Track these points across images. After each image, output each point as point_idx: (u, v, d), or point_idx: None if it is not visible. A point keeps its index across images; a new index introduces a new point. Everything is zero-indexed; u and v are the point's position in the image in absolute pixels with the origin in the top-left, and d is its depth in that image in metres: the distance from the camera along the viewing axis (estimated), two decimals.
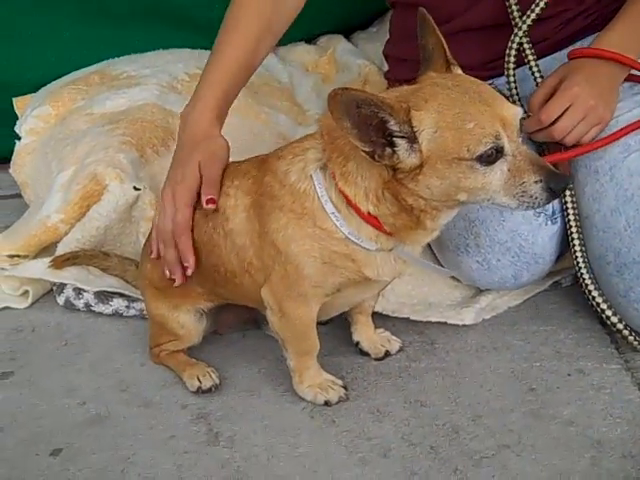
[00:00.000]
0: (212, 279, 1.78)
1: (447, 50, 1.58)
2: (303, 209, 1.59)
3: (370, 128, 1.45)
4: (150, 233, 1.89)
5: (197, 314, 1.87)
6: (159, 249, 1.80)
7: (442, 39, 1.58)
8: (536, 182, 1.47)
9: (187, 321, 1.87)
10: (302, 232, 1.60)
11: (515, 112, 1.48)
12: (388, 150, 1.47)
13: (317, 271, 1.63)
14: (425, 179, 1.48)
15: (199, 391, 1.86)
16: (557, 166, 1.96)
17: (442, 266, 2.09)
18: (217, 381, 1.87)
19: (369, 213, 1.56)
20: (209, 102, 1.86)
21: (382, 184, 1.52)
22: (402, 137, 1.46)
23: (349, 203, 1.56)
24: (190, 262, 1.75)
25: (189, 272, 1.75)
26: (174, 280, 1.78)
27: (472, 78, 1.55)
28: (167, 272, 1.78)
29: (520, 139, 1.50)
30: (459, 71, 1.59)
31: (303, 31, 2.99)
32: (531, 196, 1.48)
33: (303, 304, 1.69)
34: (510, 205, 1.50)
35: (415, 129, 1.45)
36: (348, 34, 3.08)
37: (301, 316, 1.71)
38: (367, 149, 1.46)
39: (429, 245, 2.10)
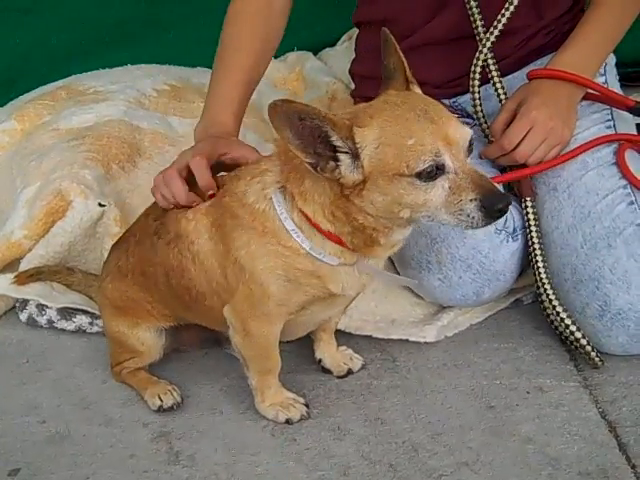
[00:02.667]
0: (183, 303, 1.79)
1: (407, 69, 1.60)
2: (264, 227, 1.60)
3: (314, 140, 1.46)
4: (113, 246, 1.94)
5: (157, 331, 1.87)
6: (160, 194, 1.76)
7: (403, 58, 1.60)
8: (472, 200, 1.45)
9: (147, 338, 1.87)
10: (265, 249, 1.61)
11: (462, 131, 1.48)
12: (331, 163, 1.48)
13: (281, 289, 1.63)
14: (368, 194, 1.49)
15: (160, 410, 1.86)
16: (520, 185, 2.00)
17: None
18: (179, 399, 1.87)
19: (329, 231, 1.57)
20: (227, 117, 1.90)
21: (333, 201, 1.53)
22: (345, 152, 1.47)
23: (310, 222, 1.57)
24: (209, 184, 1.70)
25: (212, 191, 1.70)
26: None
27: (425, 96, 1.57)
28: (179, 202, 1.72)
29: (469, 158, 1.50)
30: (417, 90, 1.61)
31: None
32: (468, 215, 1.46)
33: (267, 323, 1.70)
34: (450, 222, 1.49)
35: (358, 145, 1.46)
36: (317, 51, 3.11)
37: (265, 335, 1.72)
38: (309, 160, 1.47)
39: (392, 263, 2.12)
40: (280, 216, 1.59)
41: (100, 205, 2.18)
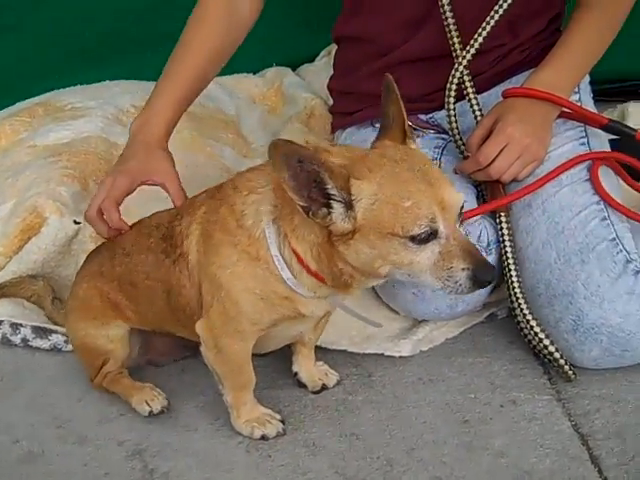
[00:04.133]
0: (178, 320, 1.80)
1: (406, 121, 1.60)
2: (257, 254, 1.60)
3: (309, 184, 1.46)
4: (89, 255, 1.97)
5: (124, 329, 1.88)
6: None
7: (403, 110, 1.59)
8: (463, 269, 1.48)
9: (115, 335, 1.87)
10: (252, 272, 1.61)
11: (457, 198, 1.50)
12: (324, 210, 1.48)
13: (255, 308, 1.64)
14: (355, 245, 1.50)
15: (151, 415, 1.85)
16: (495, 196, 2.01)
17: (380, 297, 2.12)
18: (165, 403, 1.87)
19: (315, 271, 1.58)
20: (160, 121, 1.98)
21: (320, 242, 1.54)
22: (339, 201, 1.48)
23: (300, 261, 1.58)
24: (120, 228, 1.89)
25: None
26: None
27: (422, 154, 1.59)
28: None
29: (458, 224, 1.52)
30: (413, 145, 1.61)
31: (251, 64, 3.02)
32: (456, 282, 1.48)
33: (239, 340, 1.70)
34: (433, 285, 1.51)
35: (353, 197, 1.47)
36: (296, 67, 3.12)
37: (237, 352, 1.72)
38: (302, 203, 1.48)
39: None
40: (269, 244, 1.59)
41: (75, 222, 2.18)
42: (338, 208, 1.48)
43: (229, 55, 2.13)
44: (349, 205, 1.47)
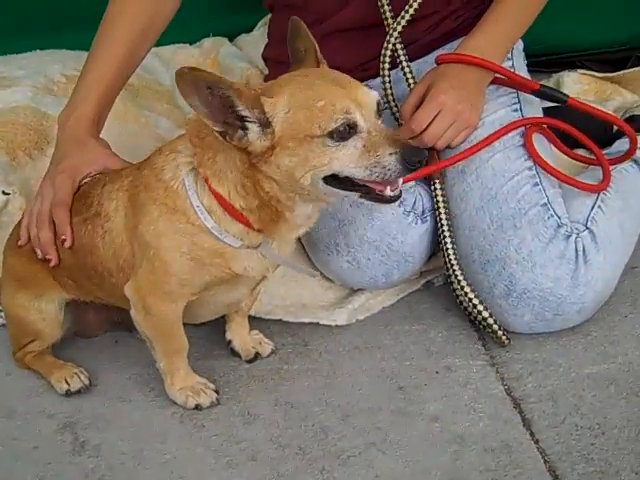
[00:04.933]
0: (88, 278, 1.78)
1: (318, 51, 1.62)
2: (175, 205, 1.60)
3: (223, 110, 1.47)
4: (18, 223, 1.89)
5: (59, 305, 1.84)
6: (30, 234, 1.81)
7: (314, 41, 1.62)
8: (391, 154, 1.47)
9: (49, 311, 1.83)
10: (173, 227, 1.61)
11: (371, 95, 1.51)
12: (240, 132, 1.49)
13: (185, 268, 1.63)
14: (276, 159, 1.50)
15: (68, 393, 1.82)
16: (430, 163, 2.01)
17: (315, 267, 2.10)
18: (87, 382, 1.84)
19: (240, 211, 1.58)
20: (87, 107, 1.90)
21: (243, 171, 1.54)
22: (253, 122, 1.49)
23: (223, 203, 1.58)
24: (67, 234, 1.75)
25: (67, 244, 1.75)
26: (49, 261, 1.78)
27: (334, 70, 1.59)
28: (40, 253, 1.79)
29: (379, 121, 1.52)
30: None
31: (188, 34, 2.97)
32: (384, 167, 1.47)
33: (168, 302, 1.69)
34: (360, 175, 1.49)
35: (269, 115, 1.48)
36: (233, 37, 3.08)
37: (166, 314, 1.70)
38: (218, 129, 1.49)
39: (302, 246, 2.12)
40: (190, 196, 1.59)
41: (4, 193, 2.13)
42: (253, 128, 1.49)
43: (158, 34, 2.05)
44: (265, 123, 1.48)
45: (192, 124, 1.60)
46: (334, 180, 1.51)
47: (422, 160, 1.48)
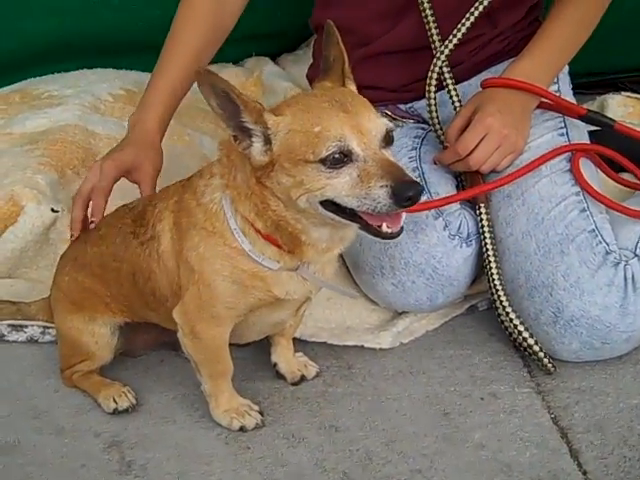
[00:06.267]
0: (146, 303, 1.80)
1: (346, 63, 1.61)
2: (213, 228, 1.62)
3: (236, 116, 1.50)
4: (71, 244, 1.94)
5: (112, 328, 1.86)
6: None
7: (344, 52, 1.61)
8: (382, 187, 1.44)
9: (101, 335, 1.85)
10: (213, 250, 1.62)
11: (377, 122, 1.49)
12: (247, 141, 1.52)
13: (228, 292, 1.64)
14: (276, 175, 1.52)
15: (115, 412, 1.83)
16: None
17: (359, 290, 2.11)
18: (134, 401, 1.85)
19: (265, 232, 1.59)
20: (155, 111, 2.00)
21: (252, 188, 1.56)
22: (257, 135, 1.51)
23: (250, 225, 1.59)
24: (96, 218, 1.84)
25: (92, 227, 1.84)
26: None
27: (353, 92, 1.59)
28: (69, 229, 1.90)
29: (388, 150, 1.50)
30: (352, 86, 1.62)
31: (231, 53, 2.99)
32: (374, 199, 1.44)
33: (215, 325, 1.70)
34: (351, 205, 1.47)
35: (270, 131, 1.50)
36: (276, 56, 3.10)
37: (213, 337, 1.71)
38: (232, 132, 1.52)
39: (347, 268, 2.12)
40: (228, 218, 1.60)
41: (53, 211, 2.16)
42: (257, 141, 1.51)
43: (215, 50, 2.13)
44: (267, 139, 1.50)
45: (225, 144, 1.62)
46: (333, 206, 1.50)
47: (415, 196, 1.44)
